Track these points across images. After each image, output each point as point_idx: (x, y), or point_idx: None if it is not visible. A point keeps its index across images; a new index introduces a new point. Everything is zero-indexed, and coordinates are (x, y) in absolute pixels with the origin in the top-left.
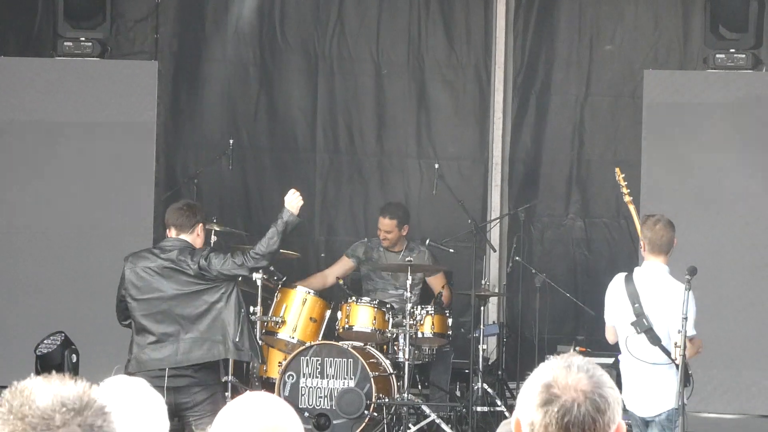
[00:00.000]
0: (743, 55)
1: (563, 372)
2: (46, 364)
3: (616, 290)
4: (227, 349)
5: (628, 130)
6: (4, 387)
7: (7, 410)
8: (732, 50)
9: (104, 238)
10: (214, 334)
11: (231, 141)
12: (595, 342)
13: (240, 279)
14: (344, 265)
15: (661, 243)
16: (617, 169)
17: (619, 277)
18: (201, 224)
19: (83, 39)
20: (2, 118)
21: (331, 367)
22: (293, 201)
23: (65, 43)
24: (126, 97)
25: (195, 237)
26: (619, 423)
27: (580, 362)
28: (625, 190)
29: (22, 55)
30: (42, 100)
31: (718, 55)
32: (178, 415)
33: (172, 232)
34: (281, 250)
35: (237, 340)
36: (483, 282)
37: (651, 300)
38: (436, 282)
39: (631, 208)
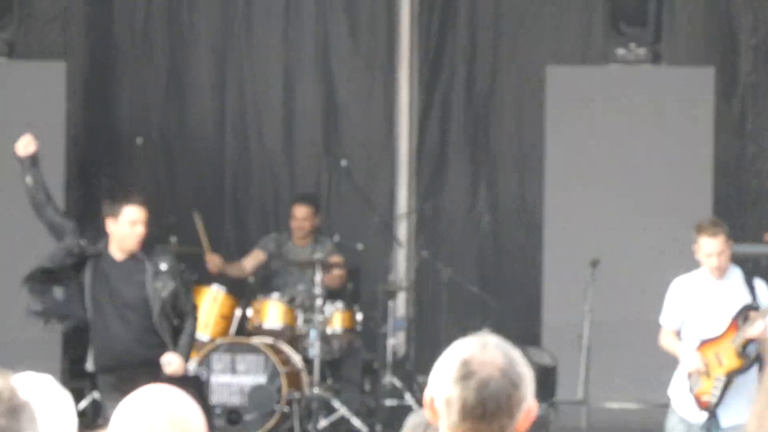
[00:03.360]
0: (643, 50)
1: (479, 349)
2: None
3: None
4: None
5: (532, 124)
6: None
7: None
8: (632, 45)
9: (14, 235)
10: None
11: (139, 139)
12: (501, 334)
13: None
14: (257, 257)
15: None
16: None
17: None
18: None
19: None
20: None
21: (241, 363)
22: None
23: None
24: (35, 98)
25: None
26: (530, 402)
27: (494, 341)
28: None
29: None
30: None
31: (618, 50)
32: None
33: None
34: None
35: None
36: (391, 277)
37: None
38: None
39: None
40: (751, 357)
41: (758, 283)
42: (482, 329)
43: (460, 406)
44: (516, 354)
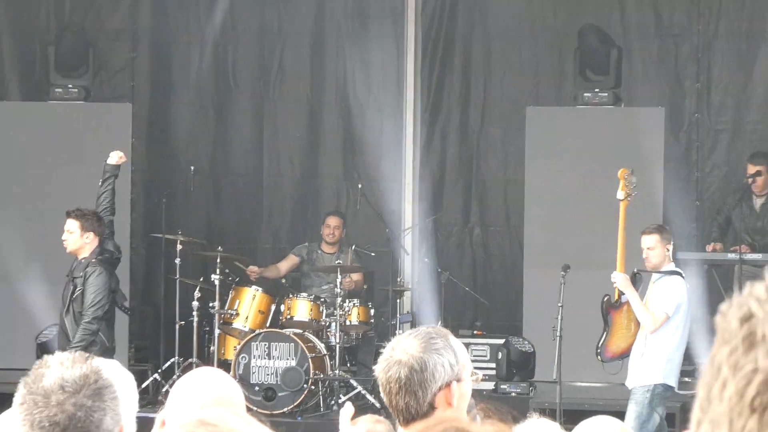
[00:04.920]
0: (606, 94)
1: (404, 337)
2: (45, 351)
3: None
4: None
5: (515, 154)
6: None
7: (24, 383)
8: (596, 90)
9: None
10: None
11: (192, 168)
12: (489, 326)
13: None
14: (291, 260)
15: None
16: (623, 171)
17: (678, 279)
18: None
19: (71, 86)
20: (4, 155)
21: (276, 350)
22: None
23: (56, 90)
24: (106, 134)
25: None
26: (443, 383)
27: (426, 331)
28: (628, 192)
29: (23, 100)
30: (37, 138)
31: (585, 94)
32: None
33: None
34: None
35: None
36: (399, 279)
37: None
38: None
39: (622, 213)
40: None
41: (672, 278)
42: (474, 323)
43: (380, 384)
44: (438, 344)
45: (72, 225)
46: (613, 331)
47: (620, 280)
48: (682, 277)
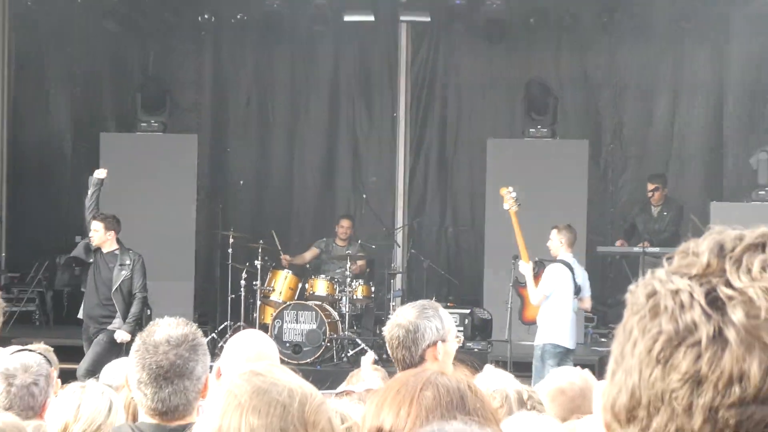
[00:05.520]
0: (546, 129)
1: (405, 307)
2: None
3: (565, 273)
4: None
5: (479, 173)
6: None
7: (140, 336)
8: (539, 126)
9: (158, 246)
10: None
11: (240, 181)
12: (458, 299)
13: None
14: (313, 252)
15: (574, 241)
16: (502, 189)
17: (563, 266)
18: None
19: (153, 121)
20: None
21: (302, 316)
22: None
23: (141, 124)
24: (178, 157)
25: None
26: (433, 344)
27: (422, 303)
28: (513, 204)
29: (117, 132)
30: (127, 160)
31: (531, 129)
32: None
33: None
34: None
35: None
36: (393, 265)
37: (579, 275)
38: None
39: (515, 218)
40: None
41: (553, 265)
42: (448, 297)
43: (386, 340)
44: (428, 312)
45: (97, 225)
46: (526, 304)
47: (522, 267)
48: (565, 264)
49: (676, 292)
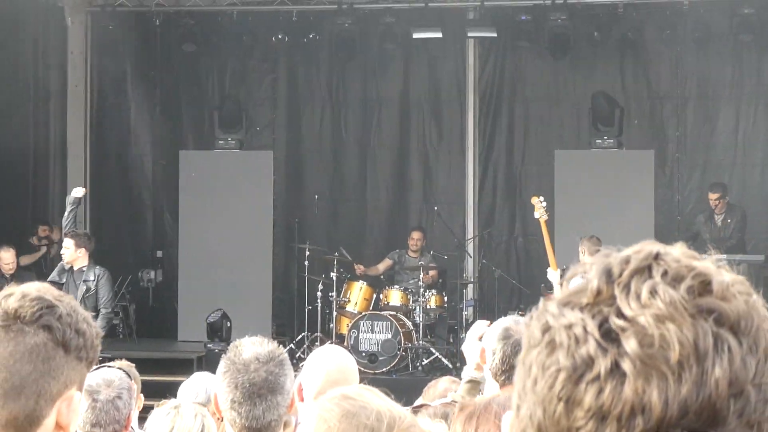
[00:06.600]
0: (612, 140)
1: (509, 320)
2: (212, 328)
3: None
4: None
5: (547, 184)
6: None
7: (227, 357)
8: (605, 137)
9: (236, 260)
10: None
11: (316, 196)
12: (529, 308)
13: None
14: (386, 263)
15: (597, 251)
16: (534, 198)
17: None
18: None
19: (230, 139)
20: (191, 189)
21: (377, 326)
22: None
23: (219, 141)
24: (255, 173)
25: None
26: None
27: (513, 317)
28: (543, 213)
29: (196, 150)
30: (206, 176)
31: (597, 140)
32: None
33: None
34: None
35: None
36: (464, 275)
37: None
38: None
39: (545, 227)
40: None
41: None
42: (519, 306)
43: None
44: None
45: (68, 242)
46: None
47: (550, 275)
48: None
49: (569, 327)
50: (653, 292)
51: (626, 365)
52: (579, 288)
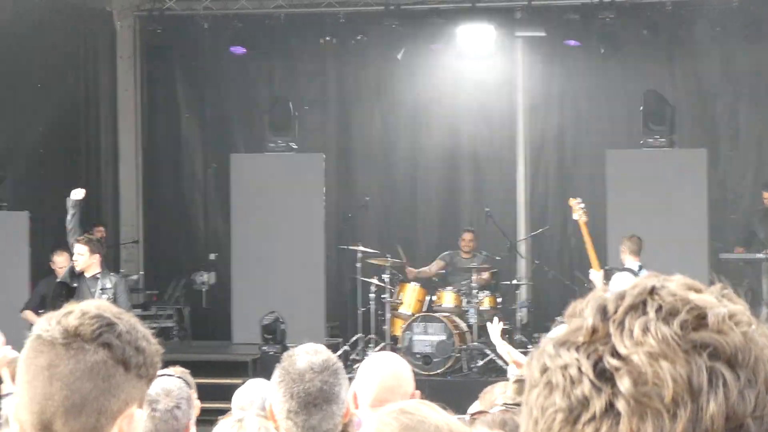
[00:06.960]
0: (663, 139)
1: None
2: (267, 330)
3: (629, 280)
4: None
5: (598, 184)
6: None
7: (282, 366)
8: (657, 136)
9: (289, 262)
10: None
11: (366, 198)
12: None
13: None
14: (438, 264)
15: (638, 249)
16: (571, 200)
17: (628, 274)
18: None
19: (280, 141)
20: (249, 191)
21: (431, 328)
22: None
23: (269, 144)
24: (307, 174)
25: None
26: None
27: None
28: (582, 214)
29: (247, 152)
30: (257, 178)
31: (648, 139)
32: None
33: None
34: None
35: None
36: (517, 276)
37: None
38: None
39: (584, 228)
40: None
41: (620, 273)
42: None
43: None
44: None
45: (82, 249)
46: None
47: (593, 275)
48: (630, 272)
49: (564, 367)
50: (645, 330)
51: (620, 405)
52: (576, 326)
